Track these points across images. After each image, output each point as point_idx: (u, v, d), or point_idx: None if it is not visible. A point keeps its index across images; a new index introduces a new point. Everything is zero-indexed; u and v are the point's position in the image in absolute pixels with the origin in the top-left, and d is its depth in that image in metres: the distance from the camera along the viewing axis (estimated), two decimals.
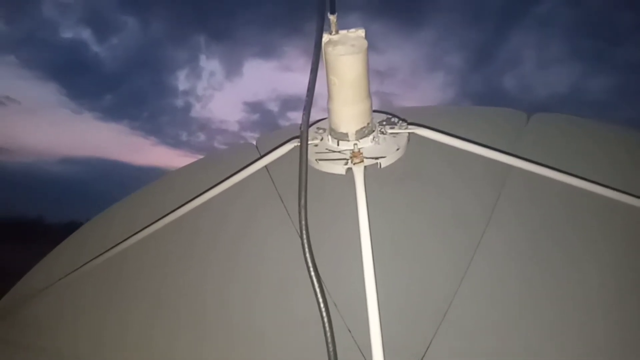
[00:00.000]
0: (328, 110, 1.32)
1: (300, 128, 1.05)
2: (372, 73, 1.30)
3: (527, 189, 1.98)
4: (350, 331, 2.10)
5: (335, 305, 2.08)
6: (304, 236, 0.91)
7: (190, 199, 1.75)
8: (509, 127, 2.10)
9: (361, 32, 1.22)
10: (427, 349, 2.09)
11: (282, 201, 2.21)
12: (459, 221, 2.17)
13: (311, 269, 0.90)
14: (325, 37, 1.19)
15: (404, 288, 2.11)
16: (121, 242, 1.90)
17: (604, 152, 1.93)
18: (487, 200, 2.09)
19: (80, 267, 1.97)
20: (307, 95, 1.04)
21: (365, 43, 1.20)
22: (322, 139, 1.41)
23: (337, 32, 1.20)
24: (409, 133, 1.41)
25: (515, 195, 2.03)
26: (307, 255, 0.90)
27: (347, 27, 1.24)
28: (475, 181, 2.10)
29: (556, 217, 2.02)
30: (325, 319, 0.88)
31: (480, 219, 2.09)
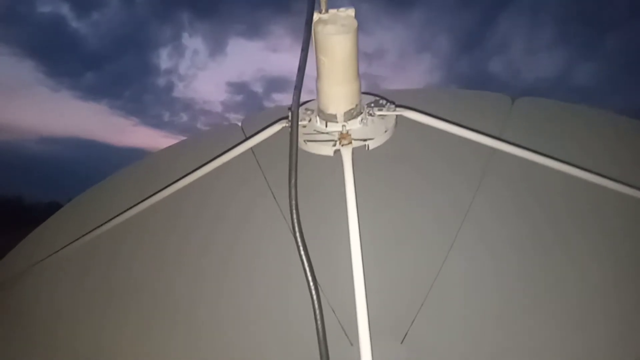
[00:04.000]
0: (317, 91, 1.31)
1: (291, 108, 1.04)
2: (360, 55, 1.29)
3: (510, 172, 2.01)
4: (334, 311, 2.13)
5: (319, 285, 2.10)
6: (294, 215, 0.91)
7: (174, 180, 1.73)
8: (493, 111, 2.12)
9: (351, 12, 1.20)
10: (409, 329, 2.13)
11: (267, 183, 2.20)
12: (442, 207, 2.20)
13: (301, 248, 0.90)
14: (315, 16, 1.17)
15: (388, 270, 2.14)
16: (103, 224, 1.87)
17: (586, 136, 1.97)
18: (471, 183, 2.11)
19: (61, 249, 1.94)
20: (298, 75, 1.03)
21: (355, 23, 1.19)
22: (310, 120, 1.40)
23: (327, 11, 1.19)
24: (396, 115, 1.41)
25: (499, 179, 2.06)
26: (297, 234, 0.90)
27: (337, 6, 1.23)
28: (459, 164, 2.13)
29: (538, 201, 2.06)
30: (315, 298, 0.89)
31: (462, 206, 2.13)
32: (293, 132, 1.00)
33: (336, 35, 1.16)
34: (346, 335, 2.09)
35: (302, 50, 1.04)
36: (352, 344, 2.06)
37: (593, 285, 1.86)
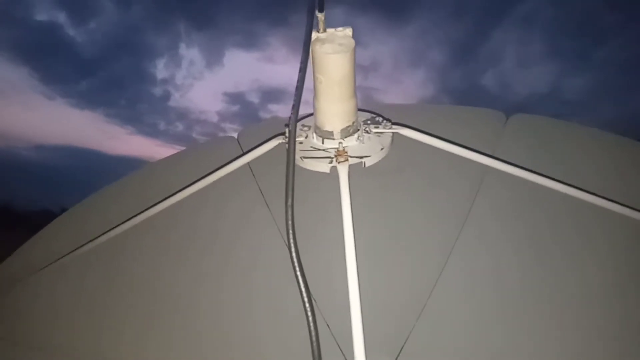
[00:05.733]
0: (313, 108, 1.32)
1: (288, 127, 1.05)
2: (356, 68, 1.30)
3: (504, 189, 2.03)
4: (328, 325, 2.12)
5: (315, 300, 2.10)
6: (291, 236, 0.92)
7: (170, 193, 1.74)
8: (487, 128, 2.14)
9: (349, 31, 1.22)
10: (405, 343, 2.13)
11: (264, 198, 2.21)
12: (438, 219, 2.20)
13: (297, 267, 0.91)
14: (313, 35, 1.19)
15: (382, 284, 2.14)
16: (100, 236, 1.87)
17: (580, 154, 1.99)
18: (465, 199, 2.13)
19: (59, 259, 1.94)
20: (296, 94, 1.04)
21: (352, 42, 1.20)
22: (306, 137, 1.41)
23: (324, 30, 1.21)
24: (393, 133, 1.42)
25: (493, 195, 2.07)
26: (294, 254, 0.91)
27: (331, 22, 1.24)
28: (454, 180, 2.14)
29: (531, 218, 2.07)
30: (310, 318, 0.89)
31: (457, 218, 2.13)
32: (290, 153, 1.01)
33: (333, 55, 1.18)
34: (340, 349, 2.09)
35: (300, 70, 1.05)
36: (346, 359, 2.05)
37: (594, 289, 1.87)
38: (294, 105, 1.03)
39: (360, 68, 1.28)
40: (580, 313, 1.89)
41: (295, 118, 1.04)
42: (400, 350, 2.11)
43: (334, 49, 1.18)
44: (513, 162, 1.57)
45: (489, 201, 2.10)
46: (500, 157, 1.59)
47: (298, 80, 1.04)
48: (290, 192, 0.95)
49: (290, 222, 0.92)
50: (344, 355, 2.05)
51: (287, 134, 1.32)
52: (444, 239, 2.16)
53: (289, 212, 0.93)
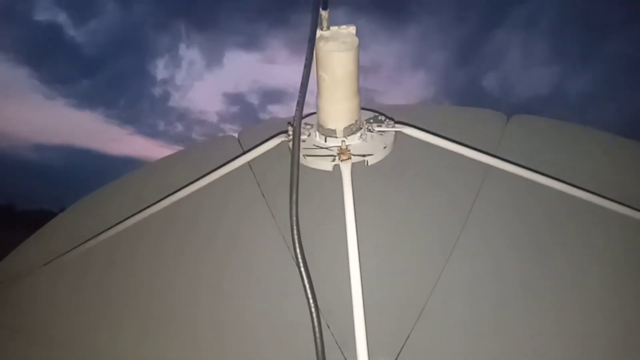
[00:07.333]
0: (316, 106, 1.32)
1: (292, 123, 1.05)
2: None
3: (505, 189, 2.03)
4: (328, 325, 2.12)
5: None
6: (295, 232, 0.91)
7: (171, 191, 1.73)
8: (488, 128, 2.14)
9: (352, 29, 1.22)
10: (404, 345, 2.13)
11: (264, 197, 2.20)
12: (438, 219, 2.20)
13: (301, 265, 0.90)
14: (317, 33, 1.19)
15: (382, 283, 2.14)
16: (100, 234, 1.87)
17: (580, 155, 1.99)
18: (466, 199, 2.13)
19: (57, 258, 1.93)
20: (301, 91, 1.04)
21: (356, 40, 1.20)
22: (309, 135, 1.41)
23: (328, 28, 1.20)
24: (395, 131, 1.42)
25: (493, 195, 2.07)
26: (298, 251, 0.90)
27: (336, 23, 1.24)
28: (455, 180, 2.14)
29: (530, 217, 2.07)
30: (315, 316, 0.88)
31: (458, 218, 2.13)
32: (295, 149, 1.00)
33: (337, 52, 1.18)
34: (340, 349, 2.08)
35: (305, 67, 1.05)
36: (345, 359, 2.05)
37: (594, 288, 1.87)
38: (298, 102, 1.03)
39: (360, 69, 1.28)
40: (581, 312, 1.89)
41: (300, 114, 1.04)
42: (400, 351, 2.10)
43: (338, 47, 1.18)
44: (514, 161, 1.57)
45: (490, 201, 2.10)
46: (502, 157, 1.59)
47: (303, 77, 1.04)
48: (294, 189, 0.94)
49: (294, 219, 0.92)
50: (344, 356, 2.05)
51: (289, 132, 1.32)
52: (444, 239, 2.16)
53: (293, 208, 0.93)
